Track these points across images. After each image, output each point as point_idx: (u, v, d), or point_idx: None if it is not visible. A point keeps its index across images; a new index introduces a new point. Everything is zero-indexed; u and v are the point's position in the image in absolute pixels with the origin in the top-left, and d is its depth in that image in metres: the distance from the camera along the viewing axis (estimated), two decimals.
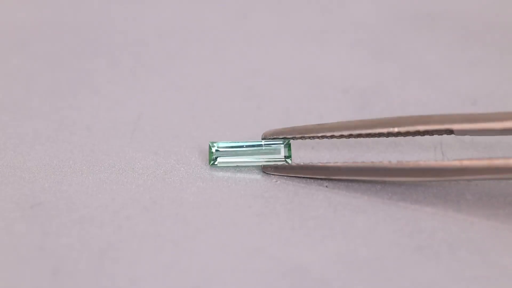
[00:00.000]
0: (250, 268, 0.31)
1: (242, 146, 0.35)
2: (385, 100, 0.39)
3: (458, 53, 0.43)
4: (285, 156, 0.35)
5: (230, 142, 0.35)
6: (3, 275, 0.31)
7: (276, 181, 0.34)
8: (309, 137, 0.34)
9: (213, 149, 0.34)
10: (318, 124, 0.34)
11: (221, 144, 0.35)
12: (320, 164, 0.34)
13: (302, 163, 0.34)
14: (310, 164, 0.34)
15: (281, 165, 0.34)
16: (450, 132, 0.33)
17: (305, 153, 0.36)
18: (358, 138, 0.34)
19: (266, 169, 0.35)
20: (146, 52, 0.42)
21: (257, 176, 0.35)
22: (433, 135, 0.33)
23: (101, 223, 0.32)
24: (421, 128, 0.33)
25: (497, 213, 0.33)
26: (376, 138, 0.34)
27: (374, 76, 0.41)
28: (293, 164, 0.34)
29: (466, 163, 0.32)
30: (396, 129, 0.33)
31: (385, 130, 0.33)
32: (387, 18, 0.45)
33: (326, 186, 0.34)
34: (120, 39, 0.43)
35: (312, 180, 0.34)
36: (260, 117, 0.38)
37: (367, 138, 0.34)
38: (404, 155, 0.36)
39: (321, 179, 0.34)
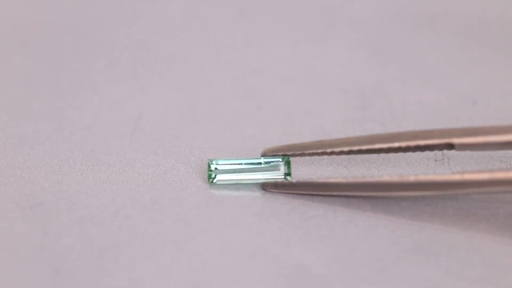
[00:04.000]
0: (250, 268, 0.31)
1: (241, 164, 0.34)
2: (385, 100, 0.39)
3: (458, 53, 0.43)
4: (284, 173, 0.34)
5: (229, 160, 0.34)
6: (3, 275, 0.31)
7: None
8: (309, 154, 0.34)
9: (212, 167, 0.34)
10: (318, 141, 0.34)
11: (220, 162, 0.34)
12: (320, 180, 0.34)
13: (302, 180, 0.34)
14: (310, 180, 0.34)
15: (281, 182, 0.34)
16: (450, 146, 0.32)
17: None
18: (358, 154, 0.34)
19: (266, 187, 0.34)
20: (146, 52, 0.42)
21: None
22: (433, 150, 0.33)
23: (101, 223, 0.32)
24: (422, 143, 0.33)
25: (497, 213, 0.33)
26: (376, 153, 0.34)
27: (374, 76, 0.41)
28: (293, 181, 0.34)
29: (467, 176, 0.32)
30: (396, 144, 0.33)
31: (385, 146, 0.33)
32: (387, 18, 0.45)
33: None
34: (120, 39, 0.43)
35: None
36: (260, 117, 0.38)
37: (367, 154, 0.34)
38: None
39: (322, 195, 0.34)
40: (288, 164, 0.34)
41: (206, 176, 0.35)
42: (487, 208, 0.33)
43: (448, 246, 0.32)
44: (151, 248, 0.32)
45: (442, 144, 0.32)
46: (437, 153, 0.36)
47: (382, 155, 0.35)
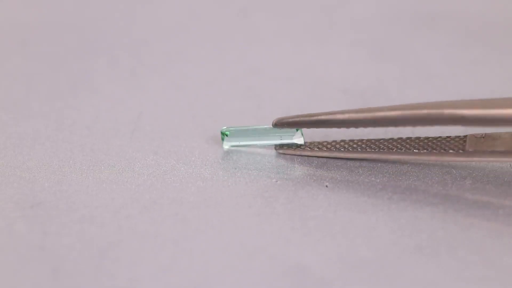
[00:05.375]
0: (250, 268, 0.31)
1: (254, 131, 0.35)
2: (385, 100, 0.39)
3: (458, 53, 0.43)
4: (297, 142, 0.35)
5: (242, 126, 0.35)
6: (3, 275, 0.31)
7: (276, 181, 0.34)
8: (320, 125, 0.34)
9: (226, 132, 0.35)
10: (329, 112, 0.34)
11: (233, 128, 0.35)
12: (333, 142, 0.34)
13: (315, 143, 0.34)
14: (323, 143, 0.34)
15: (294, 144, 0.35)
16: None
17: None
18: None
19: (279, 149, 0.35)
20: (146, 52, 0.42)
21: (257, 176, 0.35)
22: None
23: (101, 223, 0.32)
24: (432, 111, 0.33)
25: (497, 213, 0.33)
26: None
27: (374, 76, 0.41)
28: (306, 143, 0.35)
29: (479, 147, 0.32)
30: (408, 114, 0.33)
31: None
32: (387, 18, 0.45)
33: (326, 186, 0.34)
34: (120, 39, 0.43)
35: (312, 180, 0.34)
36: (260, 117, 0.38)
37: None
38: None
39: (334, 158, 0.34)
40: (300, 133, 0.35)
41: (206, 176, 0.35)
42: (487, 208, 0.33)
43: (448, 246, 0.32)
44: (151, 248, 0.32)
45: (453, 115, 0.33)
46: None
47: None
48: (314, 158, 0.36)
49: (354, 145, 0.34)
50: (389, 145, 0.34)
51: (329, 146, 0.35)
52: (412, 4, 0.46)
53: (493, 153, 0.32)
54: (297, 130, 0.35)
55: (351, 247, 0.32)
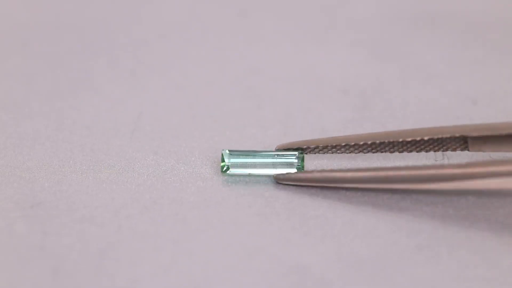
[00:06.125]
0: (250, 268, 0.31)
1: (254, 156, 0.34)
2: (385, 100, 0.39)
3: (458, 53, 0.43)
4: (297, 167, 0.34)
5: (242, 152, 0.34)
6: (3, 275, 0.31)
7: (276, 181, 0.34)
8: (322, 150, 0.34)
9: (226, 158, 0.34)
10: (332, 137, 0.34)
11: (233, 153, 0.34)
12: (334, 173, 0.33)
13: (315, 172, 0.34)
14: (324, 173, 0.34)
15: (294, 174, 0.34)
16: (465, 143, 0.32)
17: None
18: (372, 151, 0.34)
19: (279, 179, 0.34)
20: (146, 52, 0.42)
21: (257, 176, 0.35)
22: (447, 146, 0.33)
23: (101, 223, 0.32)
24: (436, 138, 0.33)
25: (497, 213, 0.33)
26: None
27: (374, 76, 0.41)
28: (306, 173, 0.34)
29: (490, 168, 0.32)
30: (410, 139, 0.33)
31: (399, 141, 0.33)
32: (387, 18, 0.45)
33: (327, 186, 0.34)
34: (120, 39, 0.43)
35: None
36: (260, 117, 0.38)
37: (381, 152, 0.34)
38: (405, 158, 0.36)
39: (335, 188, 0.34)
40: (301, 158, 0.34)
41: (206, 176, 0.35)
42: (487, 208, 0.33)
43: (448, 246, 0.32)
44: (151, 248, 0.32)
45: (457, 139, 0.32)
46: (437, 154, 0.36)
47: (395, 153, 0.35)
48: (314, 158, 0.36)
49: (354, 176, 0.34)
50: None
51: (328, 176, 0.34)
52: (412, 4, 0.46)
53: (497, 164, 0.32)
54: (297, 158, 0.34)
55: (351, 247, 0.32)
